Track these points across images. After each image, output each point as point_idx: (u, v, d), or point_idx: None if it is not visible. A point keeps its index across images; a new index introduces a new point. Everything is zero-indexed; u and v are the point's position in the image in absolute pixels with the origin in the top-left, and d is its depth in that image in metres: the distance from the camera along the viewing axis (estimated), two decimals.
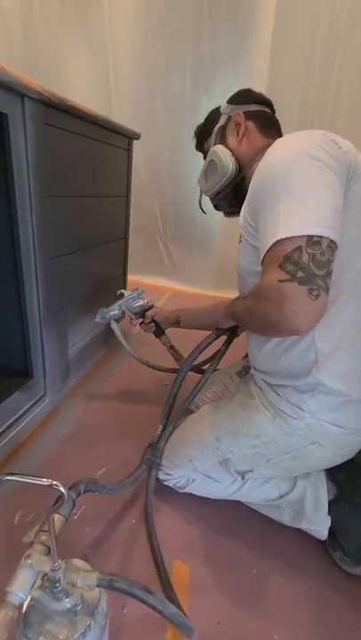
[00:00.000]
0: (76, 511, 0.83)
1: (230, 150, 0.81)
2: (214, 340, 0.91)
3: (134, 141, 1.47)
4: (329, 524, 0.76)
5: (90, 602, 0.48)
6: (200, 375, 0.92)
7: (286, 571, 0.76)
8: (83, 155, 1.10)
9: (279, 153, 0.61)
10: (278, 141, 0.64)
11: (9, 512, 0.82)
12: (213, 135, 0.86)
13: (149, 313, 1.16)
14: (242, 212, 0.68)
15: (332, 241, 0.54)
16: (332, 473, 0.81)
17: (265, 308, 0.57)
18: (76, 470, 0.96)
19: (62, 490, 0.42)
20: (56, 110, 0.90)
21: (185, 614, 0.63)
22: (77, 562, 0.50)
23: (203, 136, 0.91)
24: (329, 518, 0.76)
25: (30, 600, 0.47)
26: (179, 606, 0.66)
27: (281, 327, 0.55)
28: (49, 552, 0.46)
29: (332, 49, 1.68)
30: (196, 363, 1.01)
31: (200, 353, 0.91)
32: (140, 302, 1.15)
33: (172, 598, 0.67)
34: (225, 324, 0.89)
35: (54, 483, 0.41)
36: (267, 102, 0.84)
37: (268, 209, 0.58)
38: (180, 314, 1.12)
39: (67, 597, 0.45)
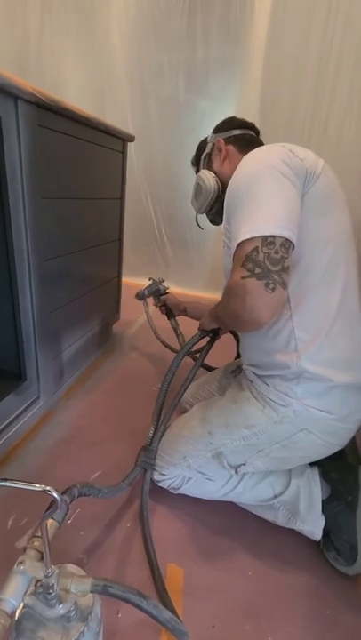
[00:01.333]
0: (70, 515, 0.83)
1: (215, 173, 0.92)
2: (198, 341, 0.95)
3: (129, 144, 1.47)
4: (323, 524, 0.77)
5: (83, 608, 0.48)
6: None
7: (281, 572, 0.77)
8: (77, 157, 1.10)
9: (245, 167, 0.69)
10: (246, 157, 0.71)
11: (1, 516, 0.81)
12: (201, 162, 0.98)
13: (163, 297, 1.42)
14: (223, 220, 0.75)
15: (286, 240, 0.61)
16: (326, 472, 0.82)
17: (232, 303, 0.64)
18: (70, 473, 0.95)
19: (55, 496, 0.42)
20: (50, 112, 0.89)
21: (179, 618, 0.63)
22: (71, 567, 0.50)
23: (196, 164, 1.03)
24: (323, 518, 0.77)
25: (23, 607, 0.46)
26: (173, 610, 0.66)
27: (245, 318, 0.63)
28: (42, 558, 0.46)
29: (326, 55, 1.69)
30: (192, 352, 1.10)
31: (185, 354, 0.95)
32: (160, 288, 1.44)
33: (167, 602, 0.67)
34: (209, 326, 0.94)
35: (47, 488, 0.41)
36: (249, 126, 0.93)
37: (236, 215, 0.66)
38: (188, 305, 1.32)
39: (60, 604, 0.45)
